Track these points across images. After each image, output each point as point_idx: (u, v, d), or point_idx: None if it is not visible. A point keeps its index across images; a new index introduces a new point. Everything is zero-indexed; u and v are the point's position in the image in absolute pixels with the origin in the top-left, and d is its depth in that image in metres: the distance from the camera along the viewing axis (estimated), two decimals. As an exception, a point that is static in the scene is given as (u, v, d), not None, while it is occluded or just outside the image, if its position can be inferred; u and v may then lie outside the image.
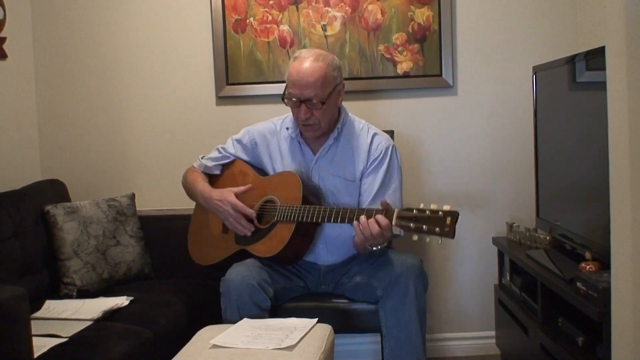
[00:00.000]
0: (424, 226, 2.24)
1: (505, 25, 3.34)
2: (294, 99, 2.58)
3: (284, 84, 2.62)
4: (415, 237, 2.30)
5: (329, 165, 2.69)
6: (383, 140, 2.70)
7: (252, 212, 2.65)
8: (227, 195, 2.69)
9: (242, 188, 2.72)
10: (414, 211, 2.28)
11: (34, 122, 3.41)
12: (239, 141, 2.84)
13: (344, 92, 2.68)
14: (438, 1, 3.29)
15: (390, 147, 2.69)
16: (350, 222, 2.43)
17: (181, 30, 3.38)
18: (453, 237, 2.22)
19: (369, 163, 2.67)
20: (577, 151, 2.64)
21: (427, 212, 2.26)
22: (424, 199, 3.30)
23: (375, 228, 2.33)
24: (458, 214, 2.23)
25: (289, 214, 2.56)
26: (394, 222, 2.30)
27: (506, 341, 3.13)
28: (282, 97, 2.63)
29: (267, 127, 2.82)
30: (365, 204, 2.61)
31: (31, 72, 3.39)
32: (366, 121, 2.77)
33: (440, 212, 2.23)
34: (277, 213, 2.61)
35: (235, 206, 2.65)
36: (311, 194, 2.63)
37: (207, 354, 2.11)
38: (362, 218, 2.37)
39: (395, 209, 2.33)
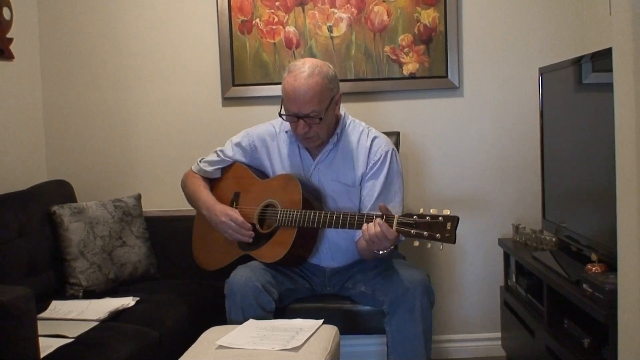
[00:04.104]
0: (425, 232, 2.23)
1: (511, 27, 3.34)
2: (290, 115, 2.56)
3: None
4: (416, 243, 2.29)
5: (328, 169, 2.68)
6: (383, 143, 2.67)
7: (249, 227, 2.66)
8: (228, 209, 2.71)
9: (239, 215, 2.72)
10: (414, 217, 2.26)
11: (40, 123, 3.42)
12: (238, 144, 2.83)
13: (341, 99, 2.64)
14: (444, 2, 3.28)
15: (390, 151, 2.66)
16: (351, 227, 2.43)
17: (187, 31, 3.39)
18: (454, 242, 2.21)
19: (368, 167, 2.64)
20: (583, 153, 2.64)
21: (427, 217, 2.24)
22: (429, 200, 3.33)
23: (377, 230, 2.31)
24: (458, 219, 2.22)
25: (290, 219, 2.56)
26: (394, 228, 2.28)
27: (512, 343, 3.13)
28: (279, 114, 2.60)
29: (266, 130, 2.81)
30: (366, 209, 2.60)
31: (37, 73, 3.40)
32: (366, 124, 2.75)
33: (440, 218, 2.22)
34: (278, 218, 2.61)
35: (236, 220, 2.66)
36: (311, 197, 2.62)
37: (213, 355, 2.11)
38: (364, 225, 2.35)
39: (395, 215, 2.31)
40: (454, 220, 2.22)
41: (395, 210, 2.54)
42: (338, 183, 2.67)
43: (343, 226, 2.45)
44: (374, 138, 2.68)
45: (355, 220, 2.42)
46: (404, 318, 2.44)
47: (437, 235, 2.21)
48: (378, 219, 2.32)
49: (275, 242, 2.61)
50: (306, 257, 2.69)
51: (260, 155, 2.80)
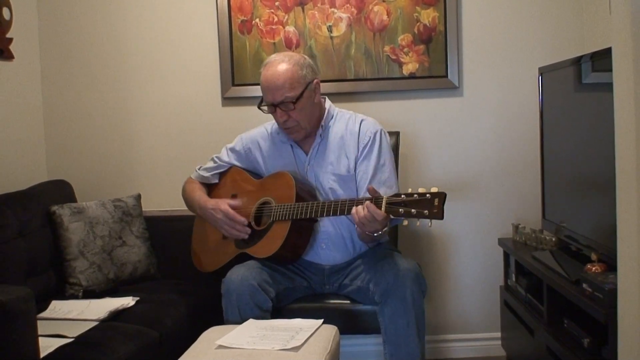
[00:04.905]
0: (413, 210, 2.24)
1: (511, 27, 3.34)
2: (268, 105, 2.64)
3: None
4: (405, 222, 2.31)
5: (321, 163, 2.72)
6: (371, 125, 2.73)
7: (243, 220, 2.68)
8: (220, 204, 2.74)
9: (236, 201, 2.77)
10: (402, 196, 2.28)
11: (40, 123, 3.42)
12: (232, 149, 2.88)
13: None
14: (444, 2, 3.28)
15: (379, 131, 2.71)
16: (342, 213, 2.46)
17: (187, 31, 3.39)
18: (442, 217, 2.22)
19: (359, 151, 2.69)
20: (583, 153, 2.64)
21: (415, 195, 2.26)
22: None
23: (365, 212, 2.33)
24: (445, 195, 2.23)
25: (284, 212, 2.59)
26: (383, 209, 2.30)
27: (512, 342, 3.13)
28: (258, 106, 2.68)
29: (259, 132, 2.86)
30: (362, 191, 2.63)
31: (37, 73, 3.40)
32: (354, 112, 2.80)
33: (427, 195, 2.24)
34: (272, 213, 2.63)
35: (227, 214, 2.69)
36: (305, 192, 2.65)
37: (212, 355, 2.11)
38: (353, 208, 2.39)
39: (384, 196, 2.33)
40: (442, 196, 2.23)
41: (392, 189, 2.58)
42: (333, 175, 2.70)
43: (335, 213, 2.48)
44: (362, 121, 2.74)
45: (346, 206, 2.44)
46: (395, 307, 2.45)
47: (425, 212, 2.22)
48: (367, 202, 2.34)
49: (270, 236, 2.63)
50: (301, 253, 2.70)
51: (255, 157, 2.84)
